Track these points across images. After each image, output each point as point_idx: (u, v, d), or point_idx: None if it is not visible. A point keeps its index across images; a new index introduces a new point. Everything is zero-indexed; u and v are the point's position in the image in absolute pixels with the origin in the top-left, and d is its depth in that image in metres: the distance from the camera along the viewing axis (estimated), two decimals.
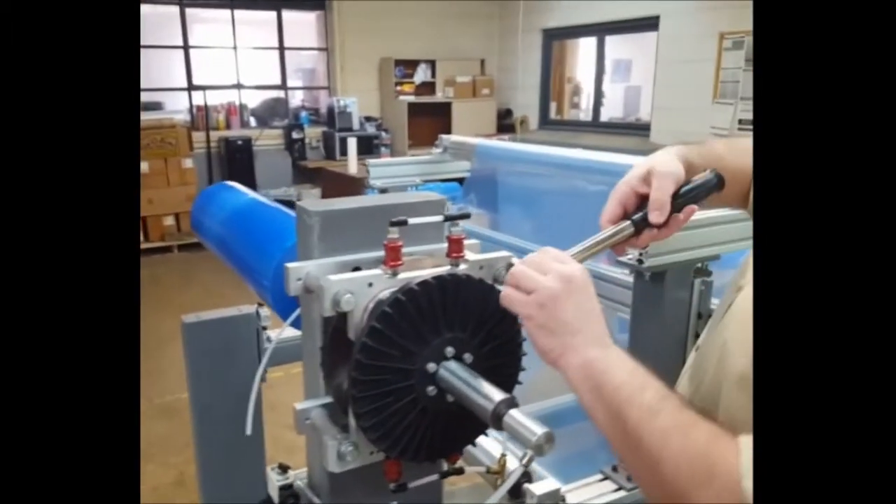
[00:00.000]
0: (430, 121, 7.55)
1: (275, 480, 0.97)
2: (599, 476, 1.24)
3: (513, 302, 0.74)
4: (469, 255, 0.87)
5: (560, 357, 0.70)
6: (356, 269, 0.86)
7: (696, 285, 1.30)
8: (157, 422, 3.10)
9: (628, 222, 0.80)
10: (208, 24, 7.57)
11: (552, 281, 0.71)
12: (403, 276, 0.80)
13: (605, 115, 7.85)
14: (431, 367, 0.77)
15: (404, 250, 0.90)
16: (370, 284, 0.79)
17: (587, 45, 7.97)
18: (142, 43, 6.81)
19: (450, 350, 0.78)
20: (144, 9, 6.88)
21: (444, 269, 0.80)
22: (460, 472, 0.92)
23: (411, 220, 0.80)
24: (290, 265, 0.84)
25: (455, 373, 0.77)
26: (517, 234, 1.85)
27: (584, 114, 8.11)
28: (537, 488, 1.04)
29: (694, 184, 0.80)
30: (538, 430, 0.66)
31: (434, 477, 0.90)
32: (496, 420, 0.70)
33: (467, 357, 0.79)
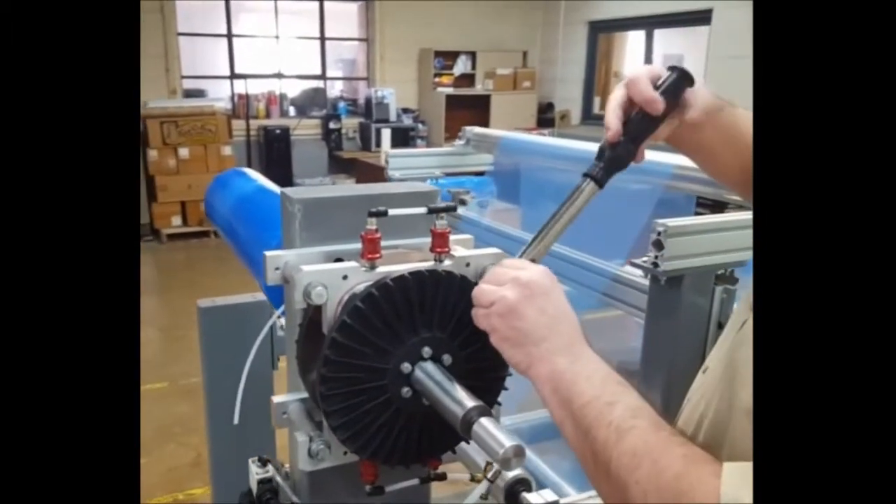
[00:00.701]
0: (469, 113, 7.47)
1: (254, 473, 0.94)
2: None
3: (476, 318, 0.72)
4: (459, 251, 0.82)
5: (529, 368, 0.66)
6: (339, 260, 0.82)
7: (717, 292, 1.23)
8: (181, 403, 3.15)
9: (585, 180, 0.77)
10: (252, 14, 7.65)
11: (508, 290, 0.68)
12: (382, 269, 0.76)
13: None
14: (406, 367, 0.73)
15: (393, 243, 0.86)
16: (345, 277, 0.75)
17: (636, 38, 7.77)
18: (187, 31, 6.95)
19: (427, 350, 0.74)
20: None
21: (423, 265, 0.76)
22: (442, 477, 0.88)
23: (392, 211, 0.76)
24: (268, 253, 0.81)
25: (430, 375, 0.73)
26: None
27: None
28: (534, 498, 0.99)
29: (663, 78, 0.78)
30: (507, 442, 0.61)
31: (414, 481, 0.86)
32: (466, 428, 0.65)
33: (446, 359, 0.75)
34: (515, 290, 0.67)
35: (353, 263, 0.76)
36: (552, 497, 1.02)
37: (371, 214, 0.74)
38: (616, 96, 0.78)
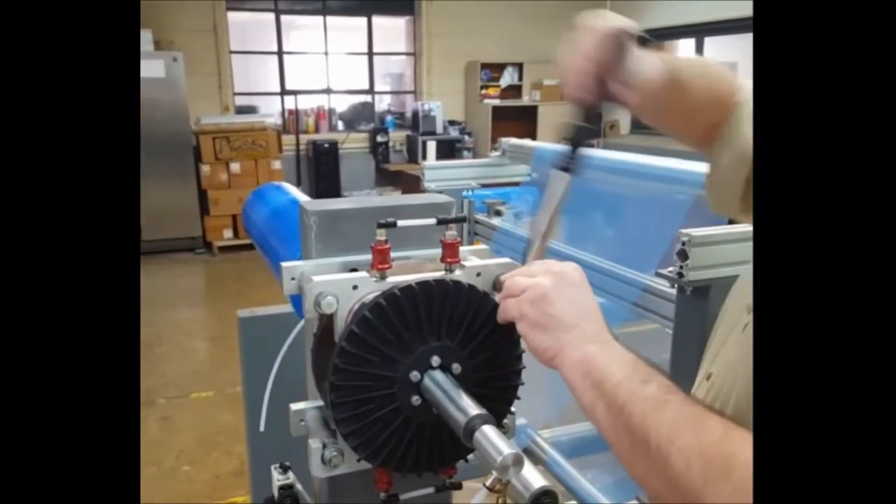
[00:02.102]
0: (516, 124, 7.46)
1: (276, 479, 0.96)
2: (634, 502, 1.17)
3: (504, 307, 0.72)
4: (471, 261, 0.83)
5: (557, 354, 0.67)
6: (353, 270, 0.84)
7: None
8: (226, 411, 3.23)
9: (560, 174, 0.85)
10: (302, 31, 7.86)
11: (542, 277, 0.69)
12: (392, 279, 0.77)
13: None
14: (415, 375, 0.74)
15: (407, 253, 0.88)
16: (355, 287, 0.76)
17: (687, 46, 7.64)
18: (240, 49, 7.18)
19: (436, 359, 0.75)
20: (243, 16, 7.25)
21: (432, 275, 0.77)
22: (458, 486, 0.88)
23: (401, 223, 0.77)
24: (284, 264, 0.83)
25: (438, 383, 0.73)
26: (578, 243, 1.78)
27: None
28: None
29: None
30: (506, 450, 0.62)
31: (429, 490, 0.87)
32: (468, 435, 0.66)
33: (455, 367, 0.75)
34: (548, 277, 0.69)
35: (363, 274, 0.78)
36: None
37: (380, 226, 0.76)
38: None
